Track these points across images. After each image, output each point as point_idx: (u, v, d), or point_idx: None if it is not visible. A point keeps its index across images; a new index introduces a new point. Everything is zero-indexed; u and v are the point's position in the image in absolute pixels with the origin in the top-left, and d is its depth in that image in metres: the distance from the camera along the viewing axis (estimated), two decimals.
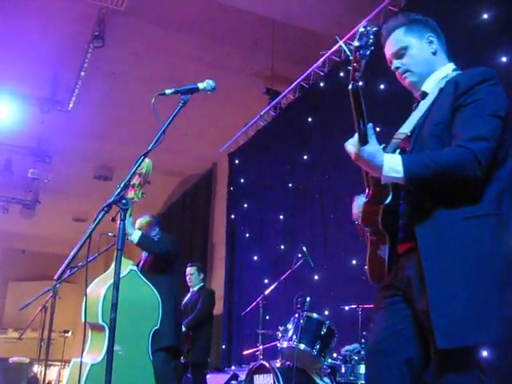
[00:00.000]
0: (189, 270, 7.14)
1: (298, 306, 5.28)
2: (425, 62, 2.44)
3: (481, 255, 2.07)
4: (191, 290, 7.13)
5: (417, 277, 2.17)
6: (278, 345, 5.36)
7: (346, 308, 5.54)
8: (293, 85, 8.71)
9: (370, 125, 2.18)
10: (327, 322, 5.13)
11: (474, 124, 2.15)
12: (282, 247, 8.43)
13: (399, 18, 2.55)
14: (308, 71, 8.31)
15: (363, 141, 2.16)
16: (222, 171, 11.98)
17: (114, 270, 4.22)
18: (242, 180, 10.22)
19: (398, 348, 2.24)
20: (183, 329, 6.46)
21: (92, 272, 2.37)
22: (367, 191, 2.43)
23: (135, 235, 4.63)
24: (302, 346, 5.00)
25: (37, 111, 10.29)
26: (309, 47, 8.47)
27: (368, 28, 2.05)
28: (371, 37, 2.05)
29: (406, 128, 2.40)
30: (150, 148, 2.28)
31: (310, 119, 8.21)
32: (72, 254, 1.91)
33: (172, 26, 8.51)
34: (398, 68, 2.48)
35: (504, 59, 5.08)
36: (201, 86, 2.49)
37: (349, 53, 2.10)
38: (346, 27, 7.52)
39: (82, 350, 2.88)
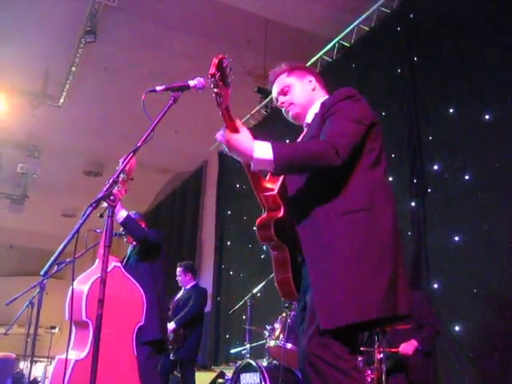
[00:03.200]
0: (177, 270, 7.21)
1: (286, 305, 5.28)
2: (305, 96, 2.72)
3: (353, 246, 2.26)
4: (183, 288, 7.16)
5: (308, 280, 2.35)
6: (265, 343, 5.36)
7: None
8: None
9: (238, 120, 2.43)
10: None
11: (336, 126, 2.39)
12: None
13: (282, 66, 2.81)
14: None
15: (234, 131, 2.37)
16: (212, 169, 11.98)
17: (97, 266, 4.23)
18: (232, 178, 10.22)
19: None
20: (174, 326, 6.47)
21: (80, 268, 2.37)
22: (263, 211, 2.59)
23: (121, 214, 4.61)
24: (289, 345, 5.00)
25: (27, 106, 10.25)
26: (301, 47, 8.48)
27: (224, 60, 2.27)
28: (226, 66, 2.28)
29: None
30: (139, 145, 2.28)
31: None
32: (59, 249, 1.90)
33: (165, 22, 8.50)
34: (283, 103, 2.74)
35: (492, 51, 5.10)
36: (191, 83, 2.48)
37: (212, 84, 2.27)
38: (338, 27, 7.54)
39: (68, 347, 2.87)
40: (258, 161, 2.29)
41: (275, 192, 2.57)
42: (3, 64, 9.40)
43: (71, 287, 2.39)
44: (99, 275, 3.79)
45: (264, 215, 2.56)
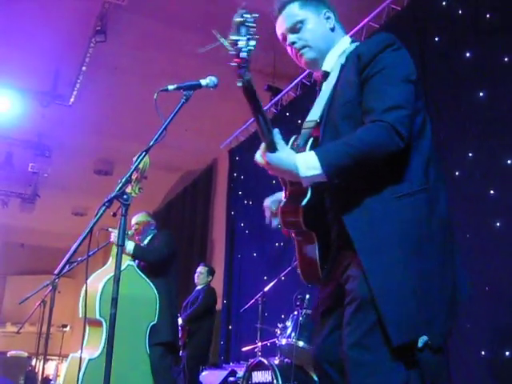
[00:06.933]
0: (200, 268, 7.33)
1: (298, 303, 5.28)
2: (323, 38, 2.25)
3: (415, 238, 1.90)
4: (196, 288, 7.24)
5: (356, 272, 1.96)
6: (277, 342, 5.36)
7: None
8: (294, 82, 8.69)
9: (276, 130, 2.05)
10: None
11: (386, 93, 1.96)
12: (282, 244, 8.43)
13: None
14: None
15: (271, 148, 2.00)
16: (223, 167, 11.97)
17: (111, 264, 4.27)
18: (242, 176, 10.22)
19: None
20: (180, 322, 6.50)
21: (90, 267, 2.37)
22: (284, 191, 2.25)
23: (129, 247, 4.62)
24: (301, 343, 5.00)
25: (38, 105, 10.28)
26: None
27: (245, 16, 1.88)
28: (252, 25, 1.88)
29: (314, 115, 2.21)
30: (151, 144, 2.27)
31: None
32: (73, 248, 1.90)
33: (174, 21, 8.50)
34: (293, 43, 2.26)
35: (506, 59, 5.07)
36: (203, 82, 2.48)
37: (229, 48, 1.91)
38: (348, 25, 7.51)
39: (82, 345, 2.88)
40: (307, 179, 1.94)
41: None
42: (13, 64, 9.43)
43: (85, 286, 2.40)
44: (113, 274, 3.82)
45: (286, 199, 2.21)
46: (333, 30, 2.28)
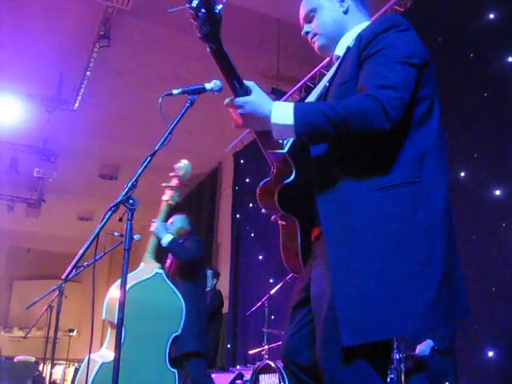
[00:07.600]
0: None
1: None
2: (333, 22, 2.17)
3: (392, 233, 1.75)
4: None
5: (319, 272, 1.88)
6: None
7: None
8: (298, 84, 8.70)
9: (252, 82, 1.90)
10: None
11: (380, 73, 1.82)
12: None
13: None
14: (314, 71, 8.30)
15: (245, 93, 1.85)
16: (227, 171, 12.00)
17: (138, 271, 4.24)
18: (248, 179, 10.23)
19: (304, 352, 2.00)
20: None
21: (97, 271, 2.38)
22: (272, 170, 2.16)
23: (166, 239, 4.60)
24: None
25: (43, 110, 10.32)
26: None
27: None
28: None
29: (313, 96, 2.16)
30: (157, 148, 2.27)
31: None
32: (80, 253, 1.91)
33: (177, 25, 8.52)
34: (307, 33, 2.24)
35: (510, 59, 5.07)
36: (208, 86, 2.47)
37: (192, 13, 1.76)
38: None
39: (90, 347, 2.88)
40: (276, 128, 1.80)
41: (285, 150, 2.02)
42: (18, 70, 9.47)
43: (93, 289, 2.39)
44: (139, 280, 3.81)
45: (270, 178, 2.13)
46: (346, 12, 2.18)
